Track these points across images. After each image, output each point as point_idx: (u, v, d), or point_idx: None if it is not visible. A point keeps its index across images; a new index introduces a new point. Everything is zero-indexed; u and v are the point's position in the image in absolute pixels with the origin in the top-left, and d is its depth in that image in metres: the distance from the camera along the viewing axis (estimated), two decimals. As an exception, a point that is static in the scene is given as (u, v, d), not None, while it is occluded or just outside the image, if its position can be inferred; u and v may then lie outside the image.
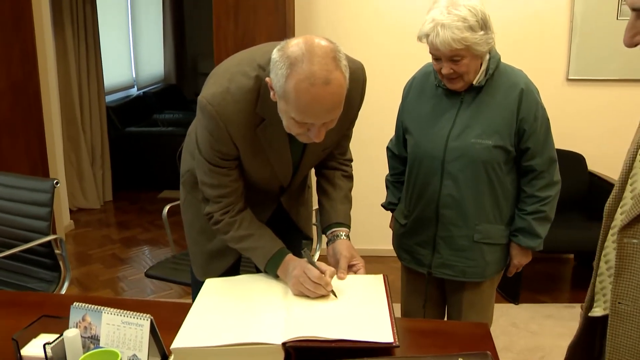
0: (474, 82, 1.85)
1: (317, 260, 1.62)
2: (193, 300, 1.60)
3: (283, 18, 3.48)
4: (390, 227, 2.23)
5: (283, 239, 1.70)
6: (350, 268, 1.68)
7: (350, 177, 1.87)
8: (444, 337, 1.49)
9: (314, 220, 2.19)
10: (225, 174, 1.62)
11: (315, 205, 1.93)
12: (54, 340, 1.30)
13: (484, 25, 1.75)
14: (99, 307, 1.34)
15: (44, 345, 1.28)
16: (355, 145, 1.94)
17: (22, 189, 2.58)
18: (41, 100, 3.95)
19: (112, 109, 5.97)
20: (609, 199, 1.25)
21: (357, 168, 1.94)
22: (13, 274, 2.64)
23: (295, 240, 1.91)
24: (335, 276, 1.60)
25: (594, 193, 3.81)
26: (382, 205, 2.24)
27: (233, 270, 1.87)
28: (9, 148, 3.70)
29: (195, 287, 1.91)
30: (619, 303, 1.17)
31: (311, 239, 2.09)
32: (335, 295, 1.53)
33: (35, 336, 1.39)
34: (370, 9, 3.93)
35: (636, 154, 1.20)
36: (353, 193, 1.88)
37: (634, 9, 1.13)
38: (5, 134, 3.67)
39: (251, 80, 1.50)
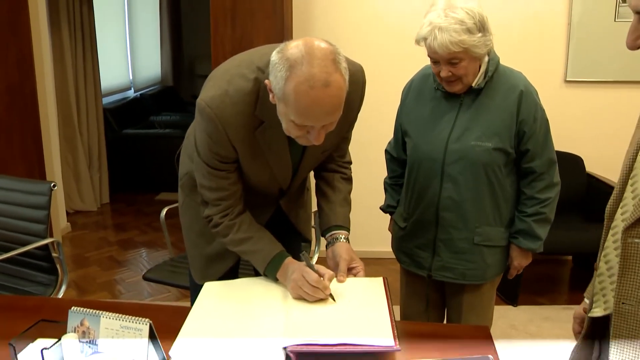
0: (473, 85, 1.85)
1: (317, 262, 1.61)
2: (192, 304, 1.59)
3: (281, 21, 3.47)
4: (389, 230, 2.22)
5: (282, 242, 1.69)
6: (350, 271, 1.67)
7: (349, 180, 1.87)
8: (445, 340, 1.49)
9: (312, 222, 2.18)
10: (224, 176, 1.61)
11: (314, 208, 1.93)
12: (52, 345, 1.28)
13: (481, 27, 1.74)
14: (97, 311, 1.32)
15: (42, 350, 1.27)
16: (354, 148, 1.93)
17: (19, 192, 2.57)
18: (38, 102, 3.93)
19: (109, 111, 5.95)
20: (609, 201, 1.25)
21: (356, 170, 1.93)
22: (10, 277, 2.62)
23: (294, 242, 1.91)
24: (334, 279, 1.60)
25: (592, 195, 3.81)
26: (380, 208, 2.23)
27: (232, 273, 1.86)
28: (5, 150, 3.69)
29: (193, 291, 1.90)
30: (623, 303, 1.17)
31: (310, 242, 2.08)
32: (334, 299, 1.52)
33: (32, 341, 1.38)
34: (368, 11, 3.93)
35: (636, 155, 1.20)
36: (352, 195, 1.87)
37: (637, 12, 1.13)
38: (1, 136, 3.65)
39: (250, 83, 1.50)
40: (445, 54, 1.74)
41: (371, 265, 1.77)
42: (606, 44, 3.81)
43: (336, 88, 1.35)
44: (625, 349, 1.18)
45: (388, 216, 2.23)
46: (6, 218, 2.58)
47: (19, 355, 1.33)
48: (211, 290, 1.65)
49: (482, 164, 1.85)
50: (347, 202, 1.83)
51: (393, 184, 2.18)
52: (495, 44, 1.83)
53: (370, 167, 3.28)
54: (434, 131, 1.91)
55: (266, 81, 1.43)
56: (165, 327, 1.38)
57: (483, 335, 1.50)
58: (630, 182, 1.20)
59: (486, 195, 1.89)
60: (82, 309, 1.33)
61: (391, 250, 2.18)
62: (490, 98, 1.86)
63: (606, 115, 3.96)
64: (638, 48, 1.16)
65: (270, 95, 1.43)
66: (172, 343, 1.34)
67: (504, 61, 1.90)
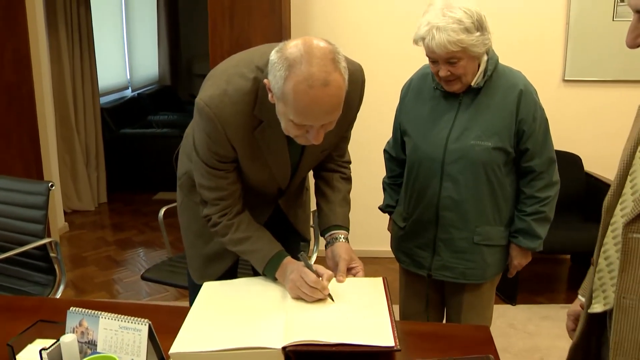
0: (472, 84, 1.84)
1: (315, 262, 1.61)
2: (190, 304, 1.58)
3: (279, 20, 3.47)
4: (388, 229, 2.22)
5: (281, 242, 1.69)
6: (350, 271, 1.67)
7: (348, 179, 1.86)
8: (445, 340, 1.48)
9: (311, 222, 2.18)
10: (223, 176, 1.61)
11: (313, 207, 1.92)
12: (51, 346, 1.28)
13: (479, 26, 1.74)
14: (96, 312, 1.32)
15: (40, 351, 1.26)
16: (353, 147, 1.93)
17: (17, 192, 2.56)
18: (35, 101, 3.92)
19: (107, 111, 5.95)
20: (607, 195, 1.26)
21: (355, 170, 1.93)
22: (8, 277, 2.61)
23: (293, 242, 1.90)
24: (334, 279, 1.59)
25: (591, 194, 3.81)
26: (379, 208, 2.23)
27: (230, 273, 1.85)
28: (3, 150, 3.68)
29: (192, 290, 1.89)
30: (624, 298, 1.18)
31: (308, 241, 2.07)
32: (332, 299, 1.52)
33: (31, 342, 1.38)
34: (367, 11, 3.92)
35: (635, 150, 1.20)
36: (351, 195, 1.87)
37: (637, 11, 1.13)
38: (-1, 136, 3.65)
39: (249, 82, 1.49)
40: (444, 53, 1.73)
41: (369, 265, 1.77)
42: (604, 44, 3.82)
43: (335, 87, 1.34)
44: (625, 343, 1.19)
45: (387, 216, 2.22)
46: (4, 218, 2.57)
47: (17, 356, 1.32)
48: (210, 290, 1.64)
49: (482, 163, 1.85)
50: (347, 202, 1.83)
51: (392, 184, 2.17)
52: (492, 43, 1.82)
53: (369, 167, 3.28)
54: (433, 131, 1.91)
55: (265, 80, 1.42)
56: (164, 327, 1.38)
57: (483, 335, 1.49)
58: (629, 177, 1.21)
59: (486, 194, 1.89)
60: (80, 309, 1.33)
61: (390, 249, 2.17)
62: (490, 97, 1.85)
63: (604, 114, 3.96)
64: (638, 46, 1.17)
65: (270, 95, 1.42)
66: (171, 343, 1.33)
67: (502, 60, 1.90)
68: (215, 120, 1.49)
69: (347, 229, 1.77)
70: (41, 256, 2.54)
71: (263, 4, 3.44)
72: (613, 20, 3.78)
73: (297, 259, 1.61)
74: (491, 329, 1.59)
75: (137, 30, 7.69)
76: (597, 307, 1.29)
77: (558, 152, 1.97)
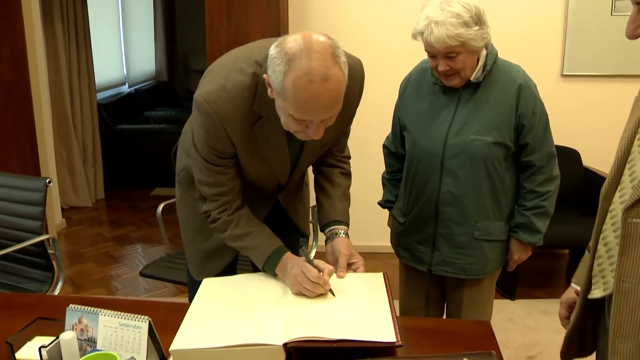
0: (472, 78, 1.84)
1: (314, 257, 1.61)
2: (190, 300, 1.58)
3: (276, 16, 3.45)
4: (388, 225, 2.21)
5: (280, 237, 1.68)
6: (350, 266, 1.66)
7: (348, 175, 1.86)
8: (446, 335, 1.48)
9: (310, 217, 2.17)
10: (222, 172, 1.60)
11: (313, 202, 1.92)
12: (50, 343, 1.27)
13: (478, 20, 1.73)
14: (95, 309, 1.31)
15: (40, 348, 1.25)
16: (353, 142, 1.92)
17: (14, 188, 2.55)
18: (31, 97, 3.90)
19: (103, 106, 5.93)
20: (605, 183, 1.28)
21: (355, 165, 1.92)
22: (5, 274, 2.61)
23: (292, 238, 1.90)
24: (334, 275, 1.59)
25: (589, 188, 3.81)
26: (379, 203, 2.22)
27: (230, 269, 1.85)
28: (-1, 146, 3.66)
29: (192, 287, 1.89)
30: (623, 281, 1.20)
31: (308, 237, 2.07)
32: (334, 295, 1.51)
33: (30, 339, 1.37)
34: (365, 6, 3.91)
35: (633, 139, 1.22)
36: (350, 190, 1.86)
37: (636, 3, 1.14)
38: (-5, 132, 3.63)
39: (248, 77, 1.48)
40: (442, 47, 1.72)
41: (369, 260, 1.76)
42: (603, 38, 3.81)
43: (335, 82, 1.33)
44: (625, 326, 1.20)
45: (387, 211, 2.22)
46: (1, 215, 2.56)
47: (16, 354, 1.32)
48: (210, 286, 1.63)
49: (482, 158, 1.84)
50: (346, 197, 1.82)
51: (391, 179, 2.17)
52: (491, 38, 1.82)
53: (369, 162, 3.28)
54: (432, 125, 1.90)
55: (264, 75, 1.42)
56: (163, 324, 1.37)
57: (484, 331, 1.49)
58: (627, 165, 1.23)
59: (486, 189, 1.88)
60: (80, 306, 1.32)
61: (390, 245, 2.17)
62: (489, 92, 1.85)
63: (603, 109, 3.96)
64: (637, 37, 1.18)
65: (269, 90, 1.42)
66: (171, 340, 1.32)
67: (500, 55, 1.89)
68: (214, 116, 1.48)
69: (347, 225, 1.76)
70: (39, 253, 2.53)
71: (260, 0, 3.43)
72: (611, 14, 3.77)
73: (297, 254, 1.60)
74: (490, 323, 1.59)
75: (134, 26, 7.67)
76: (596, 293, 1.30)
77: (556, 147, 1.96)
